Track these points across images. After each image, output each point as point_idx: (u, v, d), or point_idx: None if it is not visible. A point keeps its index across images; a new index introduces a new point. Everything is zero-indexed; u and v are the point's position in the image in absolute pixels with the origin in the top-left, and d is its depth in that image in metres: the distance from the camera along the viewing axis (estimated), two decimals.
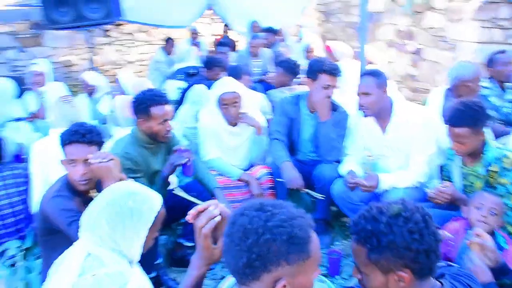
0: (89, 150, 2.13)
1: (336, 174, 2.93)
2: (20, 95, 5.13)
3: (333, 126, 3.05)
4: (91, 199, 1.96)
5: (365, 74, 2.83)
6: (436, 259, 1.30)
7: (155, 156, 2.77)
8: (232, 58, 5.94)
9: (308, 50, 5.42)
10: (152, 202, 1.71)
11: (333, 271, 2.82)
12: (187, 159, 2.64)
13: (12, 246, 2.77)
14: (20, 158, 3.81)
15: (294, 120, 3.15)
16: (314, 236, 1.18)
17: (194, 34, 7.22)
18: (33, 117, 4.58)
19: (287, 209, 1.17)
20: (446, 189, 2.39)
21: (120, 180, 2.12)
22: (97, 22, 5.55)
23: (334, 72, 2.91)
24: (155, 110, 2.56)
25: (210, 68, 4.88)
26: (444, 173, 2.78)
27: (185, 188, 2.91)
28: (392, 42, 5.77)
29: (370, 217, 1.32)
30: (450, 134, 2.42)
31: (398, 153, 2.86)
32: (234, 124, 3.12)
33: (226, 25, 7.69)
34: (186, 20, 7.66)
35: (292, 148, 3.25)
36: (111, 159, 2.08)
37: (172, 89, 5.83)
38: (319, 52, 5.73)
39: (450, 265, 1.52)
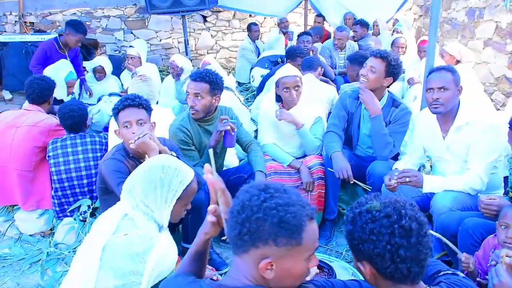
0: (139, 112, 2.41)
1: (387, 172, 2.85)
2: (119, 73, 5.74)
3: (390, 123, 2.97)
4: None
5: (440, 69, 2.66)
6: (406, 266, 1.24)
7: (208, 133, 2.97)
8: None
9: (396, 45, 5.17)
10: (183, 176, 1.87)
11: None
12: (230, 128, 2.75)
13: (85, 203, 3.19)
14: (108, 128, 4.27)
15: (353, 114, 3.12)
16: (310, 226, 1.23)
17: (283, 23, 7.30)
18: (125, 92, 5.10)
19: (289, 196, 1.24)
20: (492, 201, 2.21)
21: (161, 152, 2.35)
22: (192, 8, 5.94)
23: (374, 53, 2.84)
24: (188, 84, 2.87)
25: (292, 57, 4.97)
26: (510, 185, 2.57)
27: (237, 169, 3.08)
28: (490, 40, 5.29)
29: (354, 206, 1.37)
30: (511, 140, 2.23)
31: (457, 157, 2.69)
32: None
33: (319, 16, 7.63)
34: (281, 10, 7.81)
35: (351, 142, 3.23)
36: (146, 134, 2.29)
37: (258, 76, 6.02)
38: (410, 48, 5.44)
39: (455, 274, 1.45)
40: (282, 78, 3.06)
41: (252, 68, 6.47)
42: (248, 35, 7.17)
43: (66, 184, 3.22)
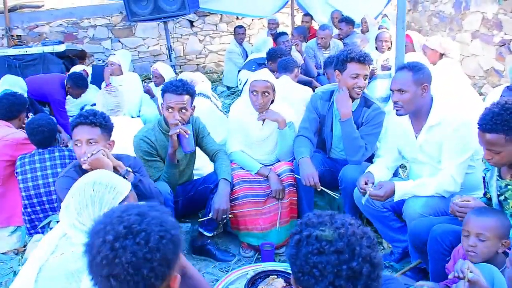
0: (91, 131, 2.29)
1: (358, 177, 2.73)
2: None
3: (363, 124, 2.86)
4: None
5: (401, 68, 2.54)
6: None
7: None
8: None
9: (380, 39, 5.03)
10: (115, 192, 1.77)
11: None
12: (179, 131, 2.63)
13: (54, 219, 3.09)
14: None
15: (325, 116, 3.00)
16: None
17: (273, 24, 7.19)
18: None
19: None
20: (466, 203, 2.09)
21: (115, 167, 2.25)
22: (172, 14, 5.85)
23: (362, 59, 2.70)
24: (166, 97, 2.70)
25: (272, 59, 4.87)
26: (486, 186, 2.44)
27: (204, 179, 2.99)
28: (477, 32, 5.14)
29: (305, 221, 1.18)
30: (481, 141, 2.09)
31: (430, 158, 2.57)
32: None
33: (306, 15, 7.52)
34: (268, 10, 7.72)
35: (325, 146, 3.11)
36: (100, 150, 2.20)
37: (244, 79, 5.92)
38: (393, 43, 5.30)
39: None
40: (253, 81, 2.96)
41: (239, 71, 6.37)
42: (234, 38, 7.09)
43: (35, 200, 3.14)
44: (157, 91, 4.87)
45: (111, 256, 1.05)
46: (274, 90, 2.97)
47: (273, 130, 3.07)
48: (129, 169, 2.40)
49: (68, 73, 5.29)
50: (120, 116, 3.49)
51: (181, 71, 8.27)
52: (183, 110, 2.71)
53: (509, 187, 2.16)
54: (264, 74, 2.97)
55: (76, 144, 2.32)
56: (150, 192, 2.44)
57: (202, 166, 3.36)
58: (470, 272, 1.52)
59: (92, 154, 2.22)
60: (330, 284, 1.05)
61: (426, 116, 2.53)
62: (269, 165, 3.06)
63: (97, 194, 1.73)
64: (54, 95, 4.93)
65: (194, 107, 2.83)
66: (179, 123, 2.66)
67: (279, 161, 3.11)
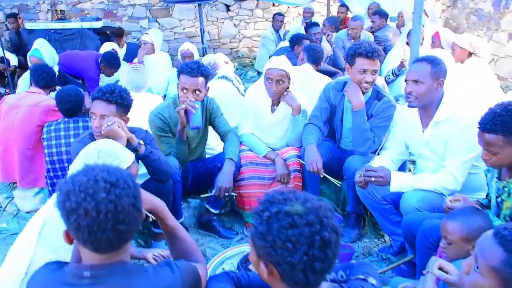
0: (107, 108, 2.42)
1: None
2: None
3: (372, 117, 2.87)
4: None
5: (420, 60, 2.52)
6: (315, 277, 1.15)
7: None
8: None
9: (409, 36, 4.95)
10: (119, 161, 1.89)
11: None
12: (188, 107, 2.71)
13: None
14: None
15: (336, 107, 3.03)
16: None
17: (308, 13, 7.17)
18: None
19: None
20: (453, 205, 2.09)
21: (128, 139, 2.39)
22: None
23: (370, 55, 2.70)
24: (181, 78, 2.79)
25: (298, 43, 4.91)
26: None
27: (214, 158, 3.09)
28: None
29: (269, 199, 1.22)
30: (480, 140, 2.08)
31: (435, 155, 2.57)
32: (277, 103, 3.14)
33: (343, 5, 7.45)
34: None
35: (335, 135, 3.15)
36: (115, 122, 2.33)
37: None
38: (428, 39, 5.19)
39: (365, 280, 1.39)
40: (268, 69, 3.02)
41: (270, 58, 6.41)
42: (272, 24, 7.13)
43: (57, 165, 3.34)
44: None
45: (113, 207, 1.16)
46: (289, 78, 3.02)
47: (285, 116, 3.13)
48: (141, 141, 2.54)
49: (103, 52, 5.53)
50: (142, 93, 3.64)
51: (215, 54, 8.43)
52: (197, 92, 2.80)
53: (505, 188, 2.14)
54: (280, 62, 3.02)
55: (92, 117, 2.46)
56: (159, 164, 2.57)
57: (218, 146, 3.46)
58: (439, 269, 1.56)
59: (108, 125, 2.35)
60: (304, 254, 1.10)
61: (435, 111, 2.52)
62: (277, 150, 3.13)
63: (100, 161, 1.86)
64: (89, 72, 5.17)
65: (208, 88, 2.91)
66: (187, 99, 2.74)
67: (288, 146, 3.17)
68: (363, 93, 2.83)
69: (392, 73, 4.93)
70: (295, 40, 4.88)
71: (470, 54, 4.23)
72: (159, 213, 1.63)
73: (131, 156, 1.97)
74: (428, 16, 6.33)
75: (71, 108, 3.42)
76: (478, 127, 2.06)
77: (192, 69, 2.78)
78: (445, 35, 4.98)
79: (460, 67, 4.34)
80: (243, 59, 8.07)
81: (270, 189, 3.02)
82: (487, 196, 2.41)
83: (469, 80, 4.07)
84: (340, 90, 3.02)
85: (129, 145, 2.42)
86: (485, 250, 1.27)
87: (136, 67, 3.68)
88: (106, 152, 1.88)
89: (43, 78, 3.77)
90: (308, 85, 3.76)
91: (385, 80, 4.87)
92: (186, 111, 2.74)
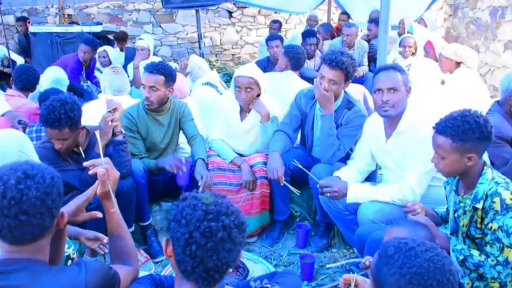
0: (60, 133, 2.42)
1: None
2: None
3: (342, 125, 2.85)
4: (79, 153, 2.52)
5: (387, 68, 2.47)
6: (192, 263, 1.19)
7: (156, 122, 3.05)
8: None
9: (403, 45, 4.91)
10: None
11: (305, 276, 2.70)
12: (179, 170, 2.79)
13: None
14: None
15: (307, 114, 3.02)
16: None
17: (313, 21, 7.15)
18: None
19: None
20: (413, 207, 2.08)
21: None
22: (204, 3, 6.03)
23: (328, 62, 2.67)
24: (143, 76, 2.92)
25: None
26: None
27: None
28: (510, 43, 4.86)
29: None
30: (432, 142, 2.05)
31: (397, 166, 2.53)
32: (249, 110, 3.15)
33: (344, 13, 7.42)
34: (304, 7, 7.67)
35: (306, 143, 3.13)
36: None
37: None
38: (421, 48, 5.13)
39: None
40: (236, 77, 3.03)
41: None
42: (269, 31, 7.13)
43: None
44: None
45: (19, 195, 1.21)
46: (258, 85, 3.02)
47: (255, 123, 3.13)
48: (123, 130, 2.71)
49: None
50: (123, 96, 3.69)
51: (217, 60, 8.50)
52: (153, 89, 2.89)
53: (461, 204, 2.10)
54: (248, 69, 3.03)
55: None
56: (126, 156, 2.69)
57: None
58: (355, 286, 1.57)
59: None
60: (188, 233, 1.18)
61: (398, 121, 2.49)
62: (246, 156, 3.13)
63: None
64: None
65: (172, 89, 3.00)
66: (177, 163, 2.81)
67: (257, 153, 3.17)
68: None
69: None
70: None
71: (458, 64, 4.17)
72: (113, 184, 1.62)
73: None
74: (426, 26, 6.29)
75: None
76: (433, 127, 2.03)
77: (152, 66, 2.90)
78: (439, 45, 4.92)
79: (448, 78, 4.29)
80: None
81: (237, 195, 3.02)
82: (447, 209, 2.37)
83: (457, 90, 4.01)
84: (312, 98, 3.00)
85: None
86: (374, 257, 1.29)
87: (117, 70, 3.73)
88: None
89: (21, 80, 3.83)
90: (289, 92, 3.74)
91: None
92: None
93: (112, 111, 2.62)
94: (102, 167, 1.53)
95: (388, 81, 2.42)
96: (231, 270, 2.47)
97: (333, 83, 2.71)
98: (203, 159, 2.91)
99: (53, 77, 4.36)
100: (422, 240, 1.53)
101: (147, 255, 2.85)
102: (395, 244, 1.25)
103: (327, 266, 2.43)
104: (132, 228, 2.85)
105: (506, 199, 1.90)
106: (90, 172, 1.55)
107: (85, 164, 1.60)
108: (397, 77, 2.40)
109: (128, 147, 2.73)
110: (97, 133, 1.96)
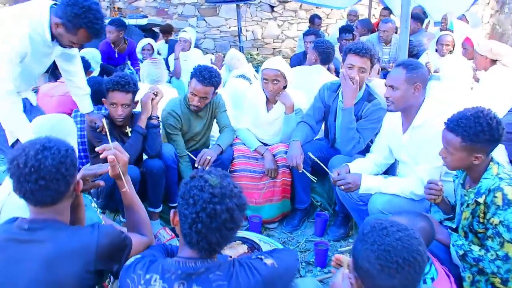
0: (126, 97, 2.74)
1: None
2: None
3: (362, 117, 2.93)
4: (126, 133, 2.84)
5: (397, 65, 2.56)
6: (197, 238, 1.35)
7: (198, 117, 3.23)
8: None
9: (441, 42, 4.84)
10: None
11: (318, 262, 2.83)
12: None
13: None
14: None
15: (330, 107, 3.12)
16: None
17: (353, 16, 7.15)
18: (170, 75, 5.59)
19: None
20: (435, 185, 2.17)
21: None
22: None
23: (357, 51, 2.77)
24: (192, 83, 3.07)
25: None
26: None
27: None
28: None
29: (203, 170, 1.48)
30: (442, 136, 2.11)
31: (412, 160, 2.59)
32: (275, 102, 3.29)
33: (385, 9, 7.34)
34: (347, 1, 7.66)
35: (329, 135, 3.23)
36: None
37: None
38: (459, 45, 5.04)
39: (259, 258, 1.52)
40: (264, 70, 3.17)
41: None
42: (309, 26, 7.20)
43: (80, 147, 3.71)
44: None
45: (37, 164, 1.42)
46: (285, 78, 3.15)
47: (280, 114, 3.27)
48: (159, 115, 2.99)
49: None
50: (160, 85, 3.93)
51: (258, 53, 8.66)
52: (203, 99, 3.05)
53: (465, 197, 2.15)
54: (275, 62, 3.17)
55: (112, 106, 2.88)
56: (158, 139, 2.95)
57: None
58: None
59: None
60: (195, 213, 1.33)
61: (414, 116, 2.55)
62: (270, 146, 3.28)
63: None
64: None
65: (216, 93, 3.17)
66: None
67: (281, 143, 3.30)
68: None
69: None
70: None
71: (493, 61, 4.10)
72: (123, 166, 1.78)
73: None
74: (468, 22, 6.12)
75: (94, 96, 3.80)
76: (444, 123, 2.09)
77: (204, 78, 2.98)
78: (478, 42, 4.81)
79: (482, 75, 4.22)
80: (285, 59, 8.20)
81: (260, 182, 3.18)
82: (454, 202, 2.42)
83: (491, 88, 3.95)
84: (335, 91, 3.10)
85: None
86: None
87: (155, 61, 3.97)
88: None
89: None
90: (318, 86, 3.84)
91: None
92: None
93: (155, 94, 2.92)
94: (111, 151, 1.72)
95: (389, 79, 2.53)
96: (246, 251, 2.65)
97: (362, 71, 2.82)
98: (219, 145, 3.12)
99: (88, 53, 4.74)
100: (413, 228, 1.63)
101: (172, 233, 3.07)
102: (372, 223, 1.36)
103: (339, 249, 2.54)
104: (160, 208, 3.07)
105: (508, 194, 1.94)
106: (101, 157, 1.73)
107: (96, 149, 1.79)
108: (399, 75, 2.47)
109: (160, 131, 2.97)
110: (104, 121, 2.25)
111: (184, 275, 1.35)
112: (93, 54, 4.78)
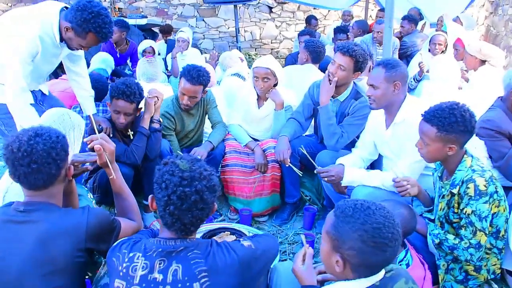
0: (130, 107, 2.83)
1: (332, 163, 2.93)
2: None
3: (349, 114, 3.03)
4: (128, 135, 2.92)
5: (377, 64, 2.66)
6: (172, 219, 1.45)
7: (190, 115, 3.34)
8: None
9: (433, 42, 4.93)
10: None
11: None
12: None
13: None
14: None
15: (318, 104, 3.22)
16: None
17: (347, 16, 7.26)
18: (168, 74, 5.70)
19: None
20: (402, 183, 2.28)
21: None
22: None
23: (342, 49, 2.87)
24: (182, 81, 3.17)
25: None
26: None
27: None
28: None
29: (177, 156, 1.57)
30: (419, 128, 2.22)
31: (394, 156, 2.69)
32: (266, 99, 3.39)
33: (382, 10, 7.43)
34: (344, 3, 7.78)
35: (318, 132, 3.33)
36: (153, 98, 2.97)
37: None
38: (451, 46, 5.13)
39: (237, 241, 1.62)
40: (255, 68, 3.28)
41: None
42: (305, 27, 7.30)
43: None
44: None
45: (29, 149, 1.54)
46: (275, 76, 3.26)
47: (271, 111, 3.37)
48: (160, 119, 3.05)
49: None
50: (155, 83, 4.04)
51: (256, 54, 8.77)
52: (193, 98, 3.15)
53: (442, 189, 2.26)
54: (266, 61, 3.27)
55: (115, 112, 2.91)
56: (158, 143, 3.00)
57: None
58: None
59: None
60: (167, 196, 1.43)
61: (396, 113, 2.65)
62: (260, 141, 3.38)
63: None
64: None
65: (206, 91, 3.26)
66: None
67: (271, 138, 3.40)
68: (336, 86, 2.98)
69: (414, 79, 4.95)
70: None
71: (482, 62, 4.19)
72: (110, 155, 1.89)
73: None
74: (462, 24, 6.22)
75: (96, 93, 3.91)
76: (421, 115, 2.19)
77: (193, 77, 3.08)
78: (469, 43, 4.90)
79: (472, 75, 4.32)
80: (282, 59, 8.31)
81: (251, 177, 3.29)
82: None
83: (480, 88, 4.05)
84: None
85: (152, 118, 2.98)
86: (326, 220, 1.48)
87: (150, 60, 4.09)
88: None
89: None
90: (309, 84, 3.94)
91: (408, 87, 4.89)
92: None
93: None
94: (97, 142, 1.83)
95: (370, 78, 2.64)
96: (232, 236, 2.74)
97: (341, 68, 2.90)
98: (210, 142, 3.22)
99: (102, 57, 4.92)
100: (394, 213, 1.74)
101: None
102: (352, 205, 1.45)
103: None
104: None
105: (480, 185, 2.04)
106: (88, 147, 1.85)
107: (84, 140, 1.91)
108: (378, 75, 2.57)
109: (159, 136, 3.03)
110: (91, 116, 2.41)
111: (165, 253, 1.45)
112: (106, 59, 4.93)
